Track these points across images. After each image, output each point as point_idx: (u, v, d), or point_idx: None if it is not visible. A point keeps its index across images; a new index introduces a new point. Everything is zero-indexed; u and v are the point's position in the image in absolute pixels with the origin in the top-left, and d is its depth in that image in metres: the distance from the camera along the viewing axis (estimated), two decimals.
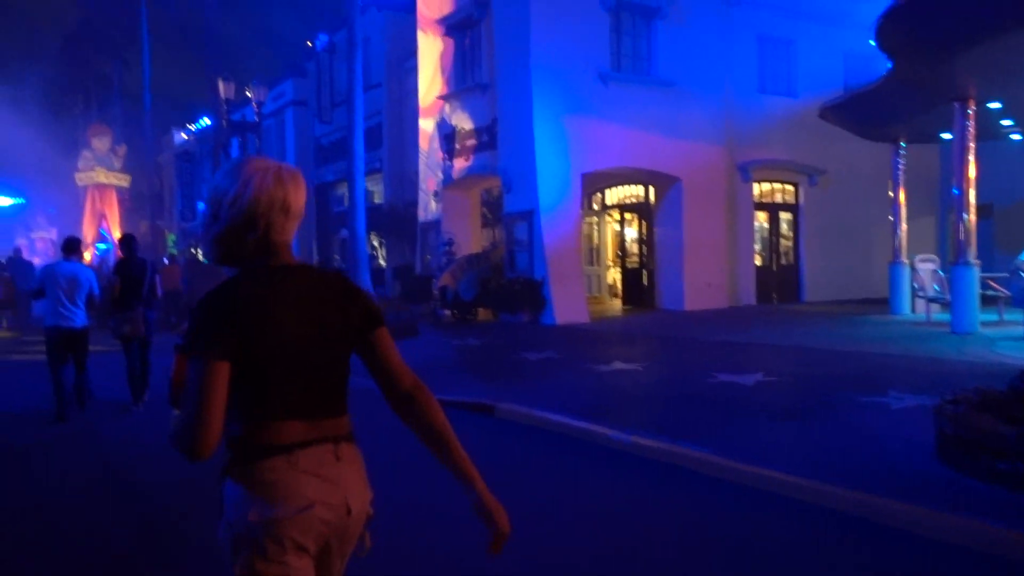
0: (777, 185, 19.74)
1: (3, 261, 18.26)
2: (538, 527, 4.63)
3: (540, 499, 5.16)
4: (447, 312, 17.16)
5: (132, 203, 35.11)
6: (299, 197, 1.87)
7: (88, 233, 26.04)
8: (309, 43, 29.18)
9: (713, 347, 11.49)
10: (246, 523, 1.70)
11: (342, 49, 24.10)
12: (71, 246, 8.43)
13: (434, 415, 2.00)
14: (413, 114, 23.91)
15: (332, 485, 1.78)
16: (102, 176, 25.75)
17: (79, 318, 8.10)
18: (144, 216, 34.98)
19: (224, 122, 18.87)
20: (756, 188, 19.16)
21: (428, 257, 20.69)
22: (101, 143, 26.43)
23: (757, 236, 19.29)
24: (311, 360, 1.82)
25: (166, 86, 33.45)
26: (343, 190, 29.52)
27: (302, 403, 1.80)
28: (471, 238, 19.39)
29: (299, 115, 30.46)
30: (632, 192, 19.35)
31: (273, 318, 1.76)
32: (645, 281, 18.67)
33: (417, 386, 2.01)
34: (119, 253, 9.07)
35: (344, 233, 28.82)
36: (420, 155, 20.91)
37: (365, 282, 14.96)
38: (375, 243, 27.08)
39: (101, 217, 25.67)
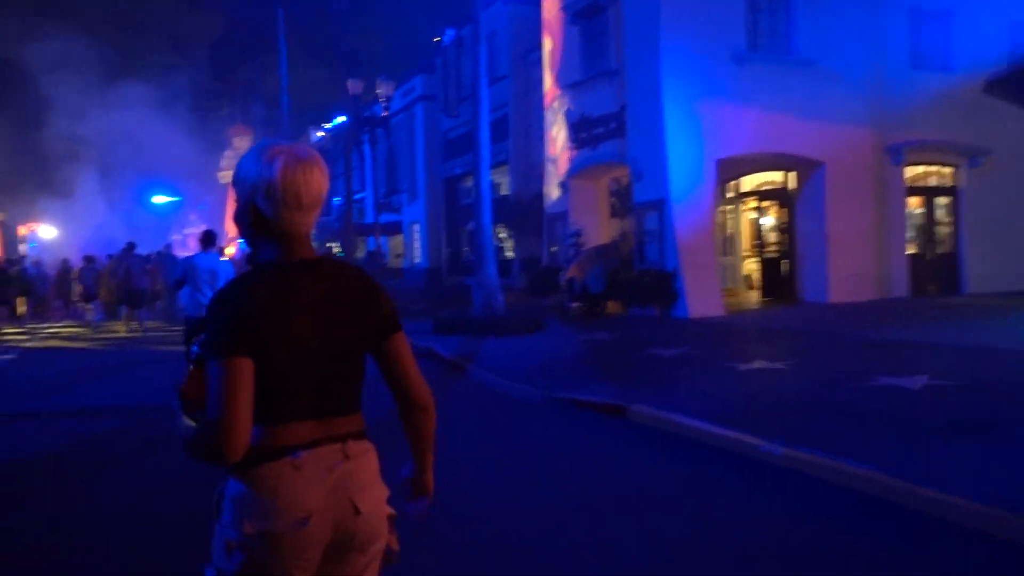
0: (932, 168, 18.06)
1: (153, 255, 19.17)
2: (676, 549, 4.08)
3: (680, 517, 4.60)
4: (574, 305, 16.67)
5: None
6: (295, 185, 1.72)
7: (231, 229, 27.16)
8: (436, 39, 29.38)
9: (866, 345, 10.46)
10: (242, 533, 1.66)
11: (468, 43, 24.05)
12: (208, 239, 8.63)
13: (430, 433, 1.97)
14: (539, 105, 23.56)
15: (336, 487, 1.73)
16: None
17: None
18: None
19: (355, 118, 19.12)
20: (908, 171, 17.59)
21: (555, 249, 20.28)
22: (242, 142, 27.59)
23: (910, 223, 17.72)
24: (323, 364, 1.75)
25: (304, 87, 34.63)
26: (470, 183, 29.52)
27: (312, 405, 1.74)
28: (599, 229, 18.81)
29: (428, 110, 30.75)
30: (770, 178, 18.21)
31: (286, 320, 1.69)
32: (785, 272, 17.52)
33: (428, 401, 1.93)
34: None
35: (471, 225, 28.91)
36: (546, 145, 20.50)
37: (491, 275, 14.68)
38: (502, 235, 26.97)
39: None
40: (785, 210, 17.51)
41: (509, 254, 26.96)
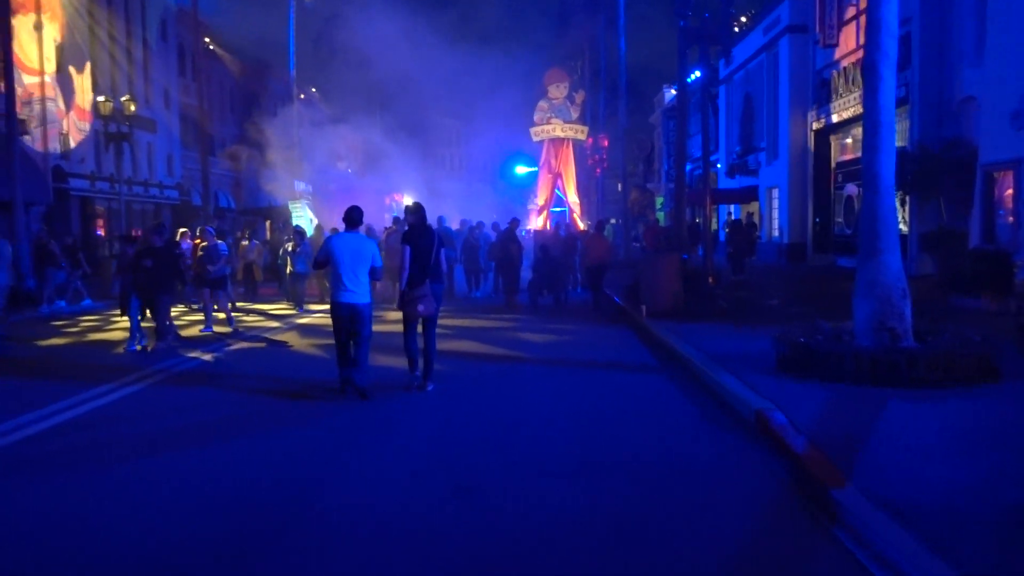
0: None
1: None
2: None
3: None
4: None
5: (609, 166, 31.71)
6: None
7: (542, 194, 22.69)
8: None
9: None
10: None
11: None
12: (352, 218, 7.33)
13: None
14: (964, 9, 15.39)
15: None
16: (558, 130, 21.93)
17: (357, 294, 7.15)
18: (611, 177, 31.58)
19: (683, 34, 13.26)
20: None
21: (993, 232, 12.38)
22: (558, 91, 22.57)
23: None
24: None
25: (656, 45, 29.45)
26: (846, 136, 21.78)
27: None
28: None
29: (796, 44, 23.32)
30: None
31: None
32: None
33: None
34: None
35: (848, 189, 21.21)
36: (982, 61, 12.55)
37: (893, 269, 7.80)
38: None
39: (556, 176, 22.01)
40: None
41: (903, 227, 18.96)
